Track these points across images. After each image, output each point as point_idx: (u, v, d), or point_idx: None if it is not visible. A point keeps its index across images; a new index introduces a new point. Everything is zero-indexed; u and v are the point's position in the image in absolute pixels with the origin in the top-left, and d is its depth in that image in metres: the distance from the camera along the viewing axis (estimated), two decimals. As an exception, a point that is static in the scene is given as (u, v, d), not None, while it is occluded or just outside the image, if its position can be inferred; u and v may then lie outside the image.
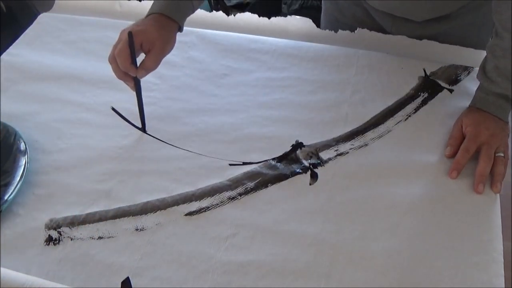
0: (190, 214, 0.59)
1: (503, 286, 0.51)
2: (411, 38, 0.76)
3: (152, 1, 0.68)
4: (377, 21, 0.80)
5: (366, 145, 0.65)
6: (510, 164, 0.61)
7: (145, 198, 0.61)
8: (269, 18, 0.84)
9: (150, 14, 0.66)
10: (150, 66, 0.63)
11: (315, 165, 0.63)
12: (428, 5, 0.71)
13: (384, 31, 0.80)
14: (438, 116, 0.67)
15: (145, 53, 0.63)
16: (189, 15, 0.69)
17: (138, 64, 0.63)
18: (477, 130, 0.61)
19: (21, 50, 0.84)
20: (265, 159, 0.64)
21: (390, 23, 0.79)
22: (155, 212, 0.60)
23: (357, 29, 0.78)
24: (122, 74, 0.63)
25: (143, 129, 0.69)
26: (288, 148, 0.65)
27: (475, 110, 0.64)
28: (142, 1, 0.88)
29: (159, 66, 0.78)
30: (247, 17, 0.84)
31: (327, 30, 0.80)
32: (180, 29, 0.67)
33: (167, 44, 0.64)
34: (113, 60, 0.62)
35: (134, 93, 0.66)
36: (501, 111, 0.62)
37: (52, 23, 0.89)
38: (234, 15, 0.85)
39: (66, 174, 0.65)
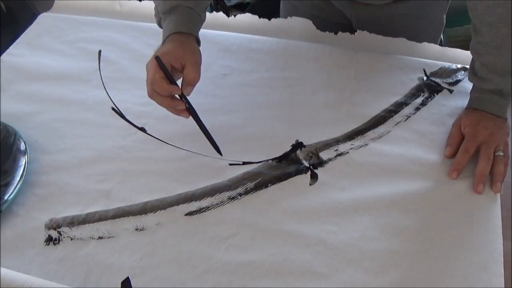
0: (190, 214, 0.59)
1: (503, 286, 0.51)
2: (411, 41, 0.77)
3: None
4: (336, 7, 0.82)
5: (366, 145, 0.65)
6: (510, 164, 0.61)
7: (145, 198, 0.61)
8: (269, 19, 0.84)
9: (165, 39, 0.64)
10: (192, 77, 0.60)
11: (315, 165, 0.63)
12: None
13: (344, 17, 0.82)
14: (438, 116, 0.67)
15: (179, 72, 0.61)
16: (200, 26, 0.68)
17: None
18: (476, 130, 0.61)
19: (21, 50, 0.84)
20: (265, 159, 0.64)
21: (350, 8, 0.81)
22: (155, 212, 0.60)
23: (357, 30, 0.78)
24: (169, 101, 0.60)
25: (216, 148, 0.64)
26: (288, 148, 0.65)
27: (472, 110, 0.64)
28: (142, 1, 0.88)
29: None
30: (247, 18, 0.84)
31: (327, 32, 0.80)
32: (198, 42, 0.66)
33: (196, 55, 0.63)
34: (152, 92, 0.60)
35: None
36: (498, 107, 0.63)
37: (52, 23, 0.89)
38: (235, 16, 0.85)
39: (66, 174, 0.65)
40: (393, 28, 0.78)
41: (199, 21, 0.67)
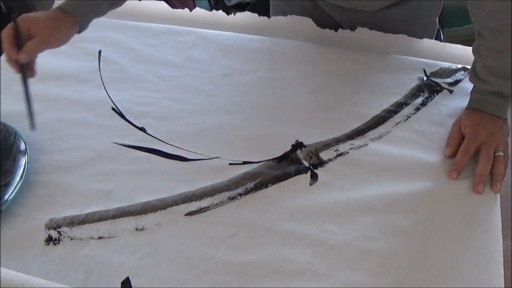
0: (190, 214, 0.59)
1: (503, 286, 0.51)
2: (412, 37, 0.77)
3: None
4: (326, 12, 0.82)
5: (366, 145, 0.65)
6: (510, 164, 0.61)
7: (145, 198, 0.61)
8: (269, 17, 0.83)
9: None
10: (29, 49, 0.61)
11: (315, 165, 0.63)
12: None
13: (334, 21, 0.82)
14: (438, 116, 0.67)
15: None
16: (94, 16, 0.68)
17: None
18: (476, 130, 0.61)
19: (21, 50, 0.84)
20: (265, 159, 0.64)
21: (340, 14, 0.80)
22: (155, 212, 0.60)
23: (357, 28, 0.78)
24: (8, 58, 0.62)
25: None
26: (288, 148, 0.65)
27: (473, 111, 0.64)
28: (142, 0, 0.88)
29: (159, 66, 0.78)
30: (247, 17, 0.84)
31: (327, 29, 0.80)
32: (81, 28, 0.67)
33: (54, 34, 0.63)
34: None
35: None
36: (498, 109, 0.63)
37: (52, 23, 0.89)
38: (234, 15, 0.85)
39: (66, 174, 0.65)
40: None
41: (94, 10, 0.68)
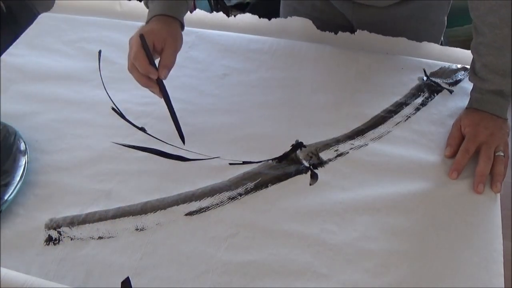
0: (190, 214, 0.59)
1: (503, 286, 0.51)
2: (411, 40, 0.77)
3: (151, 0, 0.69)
4: (337, 9, 0.82)
5: (366, 145, 0.65)
6: (510, 164, 0.61)
7: (145, 198, 0.61)
8: (269, 19, 0.84)
9: (150, 18, 0.66)
10: (168, 62, 0.62)
11: (315, 166, 0.63)
12: None
13: (345, 19, 0.82)
14: (438, 116, 0.67)
15: (158, 53, 0.63)
16: (186, 13, 0.70)
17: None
18: (476, 130, 0.61)
19: (21, 50, 0.84)
20: (265, 159, 0.64)
21: (351, 10, 0.81)
22: (155, 212, 0.60)
23: (357, 30, 0.78)
24: (146, 80, 0.62)
25: (181, 137, 0.66)
26: (288, 148, 0.65)
27: (473, 111, 0.64)
28: (142, 1, 0.88)
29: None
30: (247, 18, 0.84)
31: (327, 32, 0.80)
32: (182, 27, 0.68)
33: (177, 40, 0.64)
34: (132, 67, 0.62)
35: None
36: (498, 107, 0.63)
37: (52, 23, 0.89)
38: (235, 16, 0.85)
39: (66, 174, 0.65)
40: (395, 30, 0.78)
41: (185, 8, 0.69)
